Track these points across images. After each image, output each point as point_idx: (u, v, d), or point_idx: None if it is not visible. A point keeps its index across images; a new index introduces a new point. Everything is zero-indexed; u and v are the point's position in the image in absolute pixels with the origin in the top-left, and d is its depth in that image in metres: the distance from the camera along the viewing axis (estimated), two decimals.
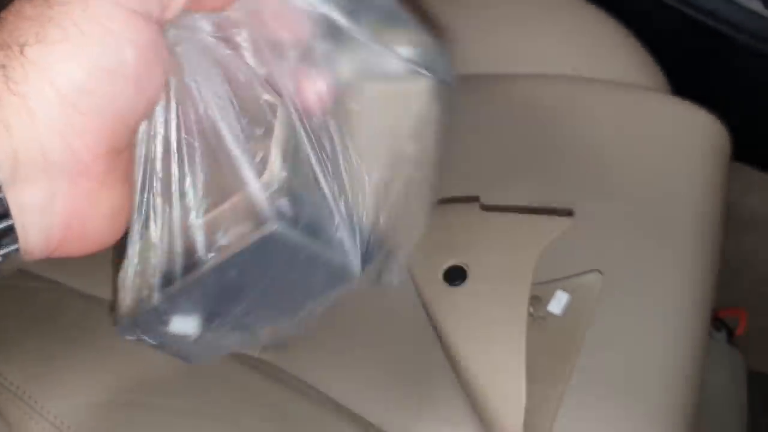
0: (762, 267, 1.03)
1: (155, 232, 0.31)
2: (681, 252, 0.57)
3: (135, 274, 0.33)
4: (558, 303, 0.49)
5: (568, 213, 0.51)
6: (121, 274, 0.33)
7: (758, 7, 0.84)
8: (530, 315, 0.49)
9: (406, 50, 0.33)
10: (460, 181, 0.61)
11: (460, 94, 0.69)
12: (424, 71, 0.34)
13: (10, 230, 0.26)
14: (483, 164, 0.63)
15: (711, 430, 0.79)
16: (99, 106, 0.27)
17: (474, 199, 0.53)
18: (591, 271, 0.51)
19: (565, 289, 0.49)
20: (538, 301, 0.49)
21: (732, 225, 1.01)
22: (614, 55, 0.74)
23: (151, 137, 0.31)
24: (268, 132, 0.31)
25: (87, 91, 0.26)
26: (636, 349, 0.51)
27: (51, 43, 0.26)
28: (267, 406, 0.48)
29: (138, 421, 0.49)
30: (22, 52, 0.25)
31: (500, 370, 0.42)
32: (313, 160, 0.32)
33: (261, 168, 0.30)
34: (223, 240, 0.30)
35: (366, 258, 0.33)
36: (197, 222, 0.31)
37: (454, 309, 0.44)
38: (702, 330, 0.55)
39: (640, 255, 0.56)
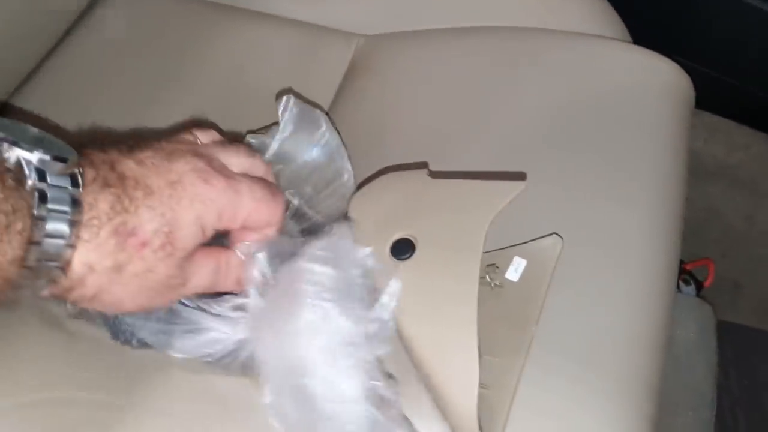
0: (728, 216, 1.02)
1: None
2: (644, 206, 0.54)
3: None
4: (515, 269, 0.46)
5: (521, 177, 0.48)
6: None
7: None
8: (487, 284, 0.46)
9: None
10: (410, 147, 0.58)
11: (415, 52, 0.67)
12: None
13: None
14: (434, 126, 0.60)
15: (682, 386, 0.78)
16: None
17: (422, 165, 0.50)
18: (549, 234, 0.48)
19: (522, 255, 0.46)
20: (494, 268, 0.46)
21: (697, 174, 1.00)
22: (574, 6, 0.71)
23: None
24: None
25: None
26: (598, 315, 0.48)
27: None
28: (206, 393, 0.45)
29: (68, 418, 0.45)
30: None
31: (450, 347, 0.39)
32: None
33: None
34: None
35: None
36: None
37: (402, 284, 0.41)
38: (668, 290, 0.53)
39: (601, 213, 0.53)
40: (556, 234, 0.48)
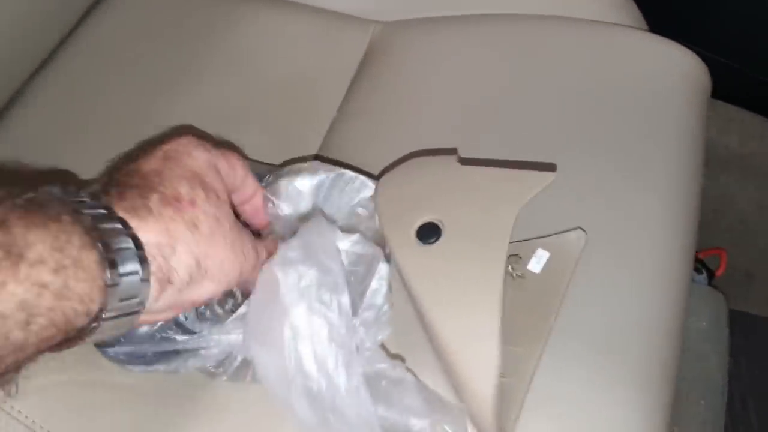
0: (740, 206, 1.01)
1: None
2: (661, 195, 0.55)
3: None
4: (538, 261, 0.46)
5: (551, 168, 0.47)
6: None
7: None
8: (509, 273, 0.46)
9: None
10: (425, 135, 0.58)
11: (431, 39, 0.67)
12: None
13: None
14: (450, 115, 0.60)
15: (694, 374, 0.79)
16: None
17: (452, 151, 0.50)
18: (574, 228, 0.48)
19: (545, 247, 0.46)
20: (517, 259, 0.46)
21: (710, 164, 0.99)
22: None
23: None
24: None
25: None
26: (615, 303, 0.49)
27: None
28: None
29: (99, 401, 0.46)
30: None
31: (473, 333, 0.39)
32: None
33: None
34: None
35: None
36: None
37: (426, 269, 0.41)
38: (684, 278, 0.53)
39: (618, 202, 0.53)
40: (581, 229, 0.48)
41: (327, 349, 0.38)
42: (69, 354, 0.47)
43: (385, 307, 0.43)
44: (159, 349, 0.43)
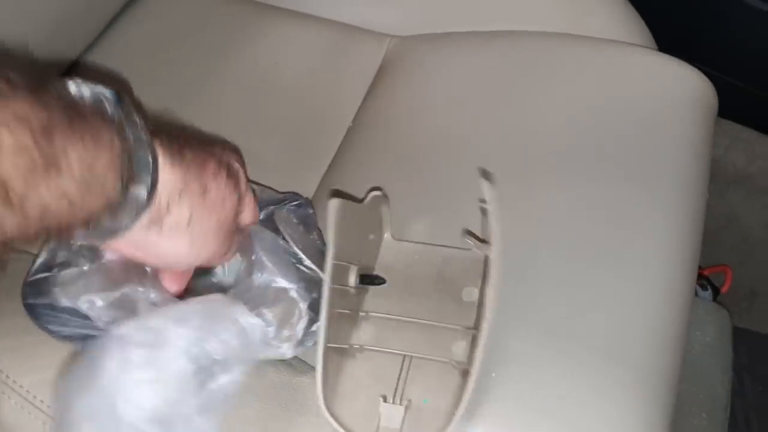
0: (746, 224, 1.03)
1: None
2: (666, 210, 0.56)
3: None
4: None
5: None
6: None
7: None
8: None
9: None
10: (436, 149, 0.61)
11: (444, 54, 0.69)
12: None
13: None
14: (461, 130, 0.62)
15: (697, 388, 0.79)
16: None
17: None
18: None
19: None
20: None
21: (717, 182, 1.01)
22: (599, 11, 0.73)
23: None
24: None
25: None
26: (620, 312, 0.50)
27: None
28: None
29: None
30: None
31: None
32: None
33: None
34: None
35: None
36: None
37: None
38: (687, 290, 0.55)
39: (627, 217, 0.55)
40: None
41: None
42: None
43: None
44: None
